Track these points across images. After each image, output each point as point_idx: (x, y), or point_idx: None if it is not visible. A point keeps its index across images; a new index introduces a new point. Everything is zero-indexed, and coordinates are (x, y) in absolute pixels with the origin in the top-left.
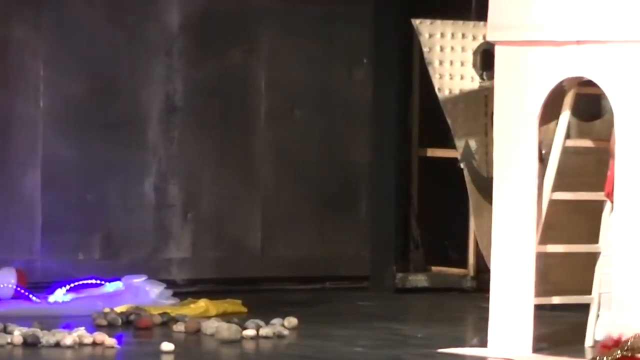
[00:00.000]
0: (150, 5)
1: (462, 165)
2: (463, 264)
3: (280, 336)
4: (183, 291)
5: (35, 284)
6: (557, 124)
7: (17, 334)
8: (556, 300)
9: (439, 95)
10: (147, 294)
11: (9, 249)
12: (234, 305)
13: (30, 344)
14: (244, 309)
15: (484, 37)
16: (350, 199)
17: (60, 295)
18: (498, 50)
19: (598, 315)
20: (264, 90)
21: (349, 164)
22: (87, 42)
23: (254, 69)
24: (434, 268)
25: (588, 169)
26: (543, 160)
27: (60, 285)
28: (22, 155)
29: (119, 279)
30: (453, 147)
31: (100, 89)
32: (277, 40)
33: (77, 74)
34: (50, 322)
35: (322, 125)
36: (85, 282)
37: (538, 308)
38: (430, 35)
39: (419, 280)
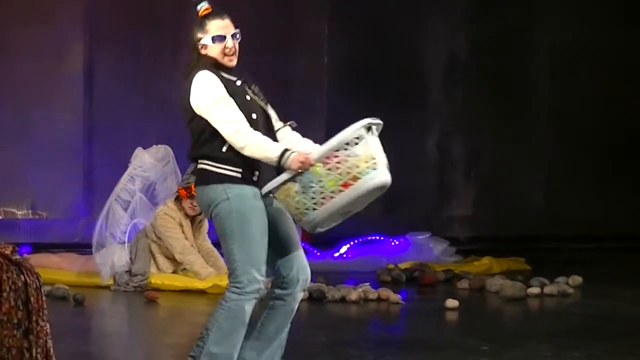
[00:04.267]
0: None
1: None
2: None
3: (564, 294)
4: (466, 248)
5: (319, 240)
6: None
7: None
8: None
9: None
10: (431, 250)
11: None
12: (517, 263)
13: (316, 298)
14: (528, 267)
15: None
16: (633, 159)
17: (344, 251)
18: None
19: None
20: (544, 50)
21: (629, 124)
22: (370, 1)
23: (534, 29)
24: None
25: None
26: None
27: (344, 241)
28: (304, 111)
29: (402, 236)
30: None
31: (382, 48)
32: (557, 1)
33: (360, 32)
34: (335, 277)
35: (602, 86)
36: (369, 238)
37: None
38: None
39: None
